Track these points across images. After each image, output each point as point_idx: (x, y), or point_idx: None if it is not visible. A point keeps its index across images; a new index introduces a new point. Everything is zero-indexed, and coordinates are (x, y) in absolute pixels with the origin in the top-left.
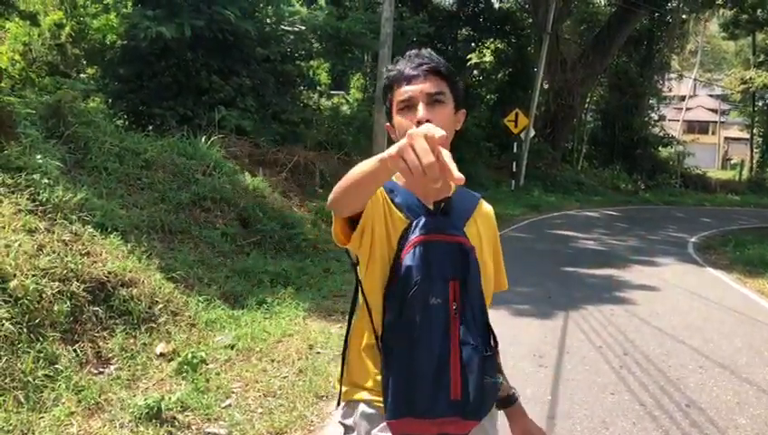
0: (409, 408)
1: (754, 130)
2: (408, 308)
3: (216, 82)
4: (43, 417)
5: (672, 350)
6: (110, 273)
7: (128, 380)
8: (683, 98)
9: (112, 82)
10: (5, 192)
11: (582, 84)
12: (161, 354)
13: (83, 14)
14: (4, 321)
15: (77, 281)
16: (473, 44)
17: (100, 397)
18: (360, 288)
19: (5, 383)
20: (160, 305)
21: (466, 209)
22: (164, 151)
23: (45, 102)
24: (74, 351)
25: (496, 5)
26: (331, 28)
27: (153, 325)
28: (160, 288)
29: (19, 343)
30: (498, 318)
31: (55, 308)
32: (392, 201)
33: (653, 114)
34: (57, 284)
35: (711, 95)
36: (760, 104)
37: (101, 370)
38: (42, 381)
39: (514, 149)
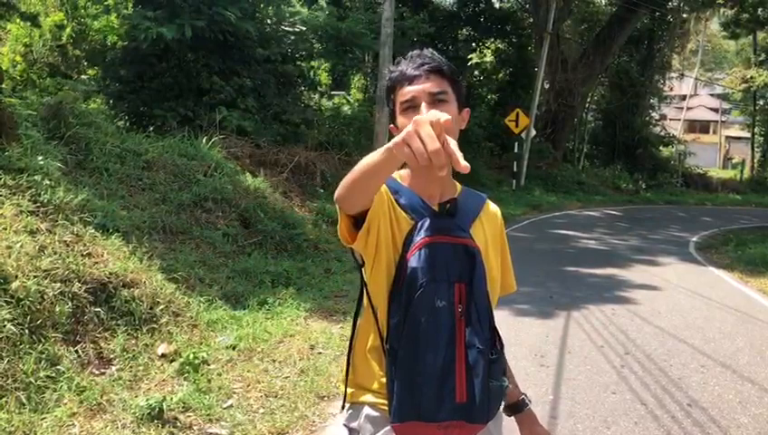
0: (415, 411)
1: (755, 130)
2: (413, 310)
3: (217, 82)
4: (44, 418)
5: (674, 349)
6: (111, 274)
7: (129, 380)
8: (684, 97)
9: (113, 83)
10: (7, 193)
11: (583, 84)
12: (163, 355)
13: (84, 15)
14: (5, 322)
15: (78, 282)
16: (473, 44)
17: (101, 398)
18: (365, 289)
19: (7, 384)
20: (162, 306)
21: (473, 210)
22: (165, 152)
23: (46, 104)
24: (76, 352)
25: (497, 5)
26: (331, 28)
27: (155, 326)
28: (162, 289)
29: (21, 344)
30: (500, 318)
31: (57, 309)
32: (397, 202)
33: (654, 114)
34: (59, 285)
35: (712, 94)
36: (761, 103)
37: (103, 370)
38: (43, 381)
39: (515, 149)
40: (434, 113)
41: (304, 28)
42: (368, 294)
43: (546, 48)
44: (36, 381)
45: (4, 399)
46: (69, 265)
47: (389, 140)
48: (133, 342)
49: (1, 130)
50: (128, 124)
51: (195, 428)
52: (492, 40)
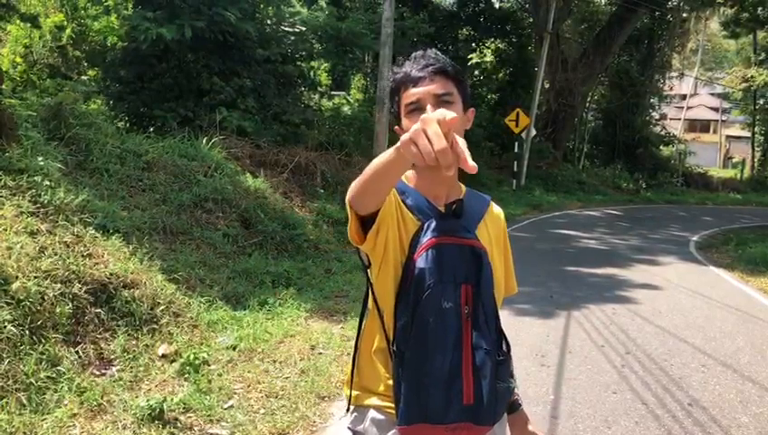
0: (422, 414)
1: (756, 129)
2: (420, 312)
3: (217, 83)
4: (45, 419)
5: (674, 349)
6: (111, 274)
7: (130, 381)
8: (684, 96)
9: (113, 83)
10: (7, 194)
11: (583, 83)
12: (163, 356)
13: (84, 16)
14: (6, 323)
15: (79, 283)
16: (473, 44)
17: (102, 398)
18: (371, 291)
19: (8, 385)
20: (162, 307)
21: (478, 211)
22: (165, 153)
23: (46, 104)
24: (76, 352)
25: (497, 5)
26: (331, 29)
27: (155, 327)
28: (162, 289)
29: (21, 345)
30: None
31: (57, 310)
32: (404, 202)
33: (654, 113)
34: (59, 285)
35: (712, 94)
36: (761, 102)
37: (104, 371)
38: (44, 382)
39: (516, 149)
40: (441, 112)
41: (304, 28)
42: (374, 295)
43: (546, 48)
44: (37, 382)
45: (4, 400)
46: (69, 265)
47: (390, 141)
48: (134, 342)
49: (1, 131)
50: (128, 125)
51: (195, 428)
52: (492, 40)
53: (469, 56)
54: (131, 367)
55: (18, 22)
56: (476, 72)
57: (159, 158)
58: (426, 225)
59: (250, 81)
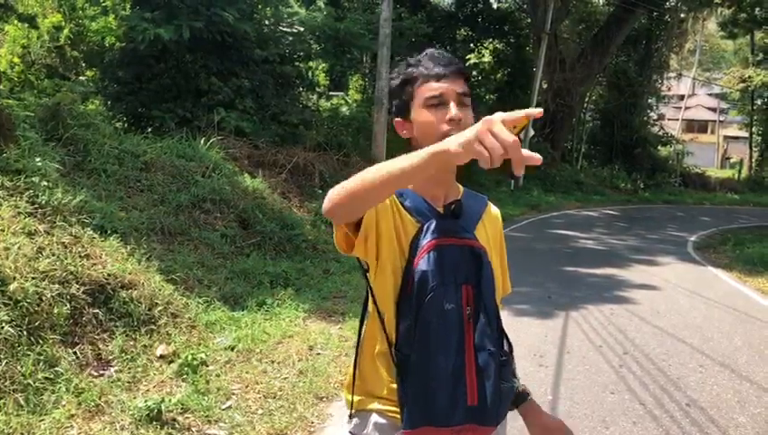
0: (427, 417)
1: (753, 129)
2: (424, 314)
3: (215, 83)
4: (43, 419)
5: (672, 349)
6: (109, 275)
7: (128, 382)
8: (682, 97)
9: (111, 84)
10: (4, 195)
11: (581, 84)
12: (161, 356)
13: (82, 16)
14: (3, 324)
15: (77, 283)
16: (471, 45)
17: (100, 399)
18: (371, 294)
19: (5, 386)
20: (160, 307)
21: (476, 212)
22: (163, 153)
23: (44, 105)
24: (74, 353)
25: (495, 6)
26: (329, 29)
27: (153, 327)
28: (160, 290)
29: (19, 346)
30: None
31: (55, 311)
32: (402, 205)
33: (652, 113)
34: (57, 286)
35: (710, 94)
36: (759, 103)
37: (102, 372)
38: (42, 383)
39: None
40: (501, 114)
41: (302, 29)
42: (374, 298)
43: (544, 48)
44: (34, 383)
45: (2, 401)
46: (67, 266)
47: (387, 140)
48: (132, 343)
49: None
50: (126, 125)
51: (193, 429)
52: (490, 40)
53: (467, 57)
54: (129, 368)
55: (16, 22)
56: (474, 73)
57: (157, 158)
58: (425, 226)
59: (248, 81)
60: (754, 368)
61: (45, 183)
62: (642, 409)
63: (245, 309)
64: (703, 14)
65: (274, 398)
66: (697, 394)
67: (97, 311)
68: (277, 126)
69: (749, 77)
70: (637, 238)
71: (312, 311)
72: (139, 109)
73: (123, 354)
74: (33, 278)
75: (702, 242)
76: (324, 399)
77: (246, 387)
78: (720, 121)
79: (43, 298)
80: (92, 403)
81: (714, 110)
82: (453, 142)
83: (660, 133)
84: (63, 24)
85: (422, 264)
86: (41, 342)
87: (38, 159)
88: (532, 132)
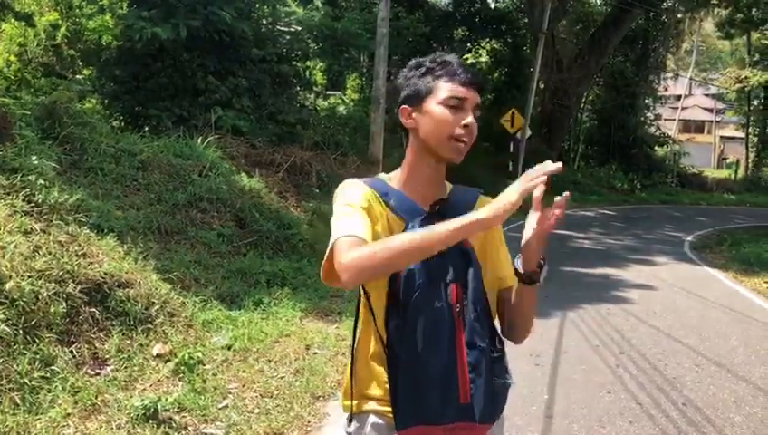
0: (418, 416)
1: (750, 130)
2: (412, 313)
3: (212, 82)
4: (39, 418)
5: (668, 349)
6: (106, 274)
7: (124, 381)
8: (678, 97)
9: (108, 83)
10: (1, 193)
11: (578, 84)
12: (158, 355)
13: (79, 15)
14: None
15: (73, 282)
16: (468, 45)
17: (96, 398)
18: (364, 295)
19: (1, 385)
20: (157, 306)
21: (466, 207)
22: (160, 152)
23: (41, 103)
24: (71, 352)
25: (492, 5)
26: (327, 28)
27: (150, 326)
28: (157, 289)
29: (15, 345)
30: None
31: (51, 309)
32: (387, 204)
33: (649, 113)
34: (53, 285)
35: (707, 94)
36: (755, 103)
37: (98, 371)
38: (38, 382)
39: (511, 149)
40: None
41: (300, 28)
42: (367, 299)
43: (541, 48)
44: (30, 382)
45: None
46: (63, 265)
47: (384, 140)
48: (128, 342)
49: None
50: (123, 124)
51: (190, 428)
52: (487, 40)
53: (464, 56)
54: (126, 367)
55: (13, 20)
56: None
57: (154, 157)
58: (410, 225)
59: (245, 80)
60: (750, 368)
61: (42, 182)
62: (639, 408)
63: (242, 308)
64: (700, 14)
65: (271, 397)
66: (694, 394)
67: (93, 310)
68: (274, 125)
69: (746, 77)
70: (633, 238)
71: (309, 310)
72: (136, 107)
73: (120, 353)
74: (29, 277)
75: (698, 242)
76: (321, 398)
77: (243, 386)
78: (717, 122)
79: (40, 297)
80: (89, 402)
81: (710, 110)
82: (501, 210)
83: (657, 133)
84: (60, 22)
85: None
86: (37, 340)
87: (35, 158)
88: (529, 132)
